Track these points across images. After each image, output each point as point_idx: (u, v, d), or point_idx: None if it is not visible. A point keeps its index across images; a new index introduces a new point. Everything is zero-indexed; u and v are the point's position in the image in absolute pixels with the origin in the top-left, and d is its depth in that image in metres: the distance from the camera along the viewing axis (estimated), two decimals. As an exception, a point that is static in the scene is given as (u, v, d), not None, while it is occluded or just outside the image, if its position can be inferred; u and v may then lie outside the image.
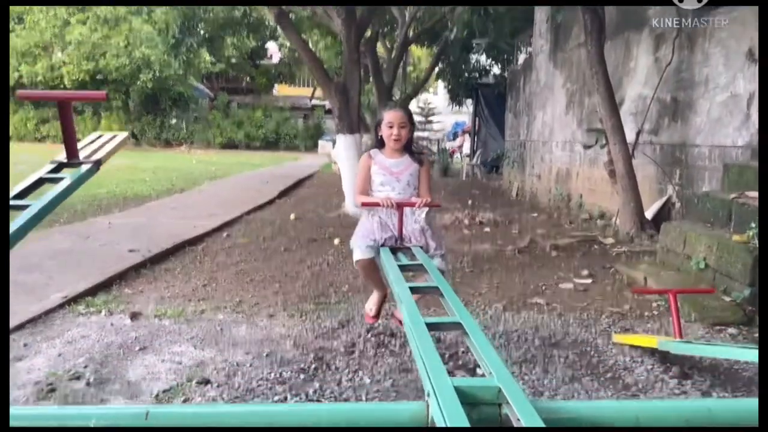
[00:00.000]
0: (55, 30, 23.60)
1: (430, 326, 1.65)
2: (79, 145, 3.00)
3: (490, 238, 6.71)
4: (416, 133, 14.90)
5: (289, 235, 6.78)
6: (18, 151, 22.51)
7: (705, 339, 3.57)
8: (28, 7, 24.33)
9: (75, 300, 3.93)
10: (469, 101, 17.68)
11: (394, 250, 2.72)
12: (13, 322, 3.43)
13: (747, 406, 1.41)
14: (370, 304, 3.01)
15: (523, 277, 5.01)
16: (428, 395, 1.35)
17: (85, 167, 2.65)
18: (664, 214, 6.78)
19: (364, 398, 2.61)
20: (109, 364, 2.91)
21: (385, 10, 12.36)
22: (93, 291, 4.17)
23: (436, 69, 14.77)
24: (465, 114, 22.85)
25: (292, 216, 8.09)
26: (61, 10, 23.74)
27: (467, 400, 1.34)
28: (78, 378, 2.72)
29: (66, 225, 6.91)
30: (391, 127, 2.87)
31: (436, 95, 20.61)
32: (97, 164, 2.72)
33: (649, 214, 6.76)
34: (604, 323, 3.82)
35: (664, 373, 2.97)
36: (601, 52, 6.53)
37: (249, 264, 5.28)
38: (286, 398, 2.60)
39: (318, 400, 2.58)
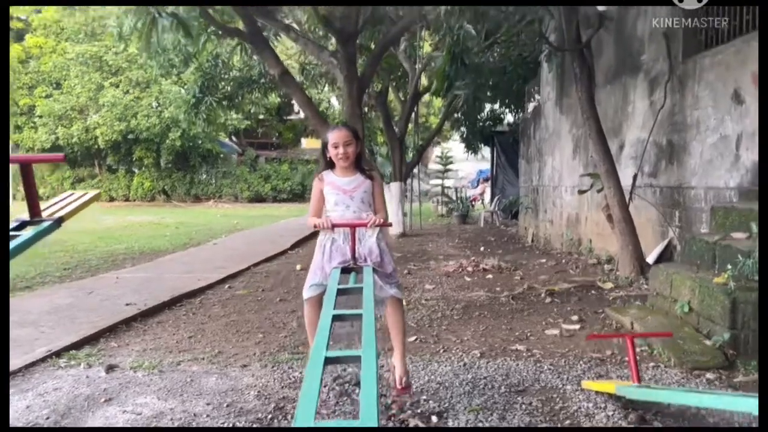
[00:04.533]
0: (90, 94, 24.73)
1: (331, 360, 1.67)
2: (50, 202, 3.18)
3: (489, 285, 6.68)
4: (436, 180, 14.98)
5: (290, 285, 6.86)
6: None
7: (680, 384, 3.49)
8: (65, 72, 25.64)
9: (59, 353, 4.04)
10: (487, 149, 17.82)
11: (347, 271, 2.73)
12: (-7, 375, 3.56)
13: None
14: None
15: (511, 323, 4.97)
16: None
17: (46, 224, 2.80)
18: (666, 257, 6.68)
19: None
20: (71, 416, 2.98)
21: (394, 65, 12.69)
22: (79, 345, 4.29)
23: (450, 119, 14.97)
24: (488, 162, 22.95)
25: (298, 266, 8.20)
26: (96, 75, 24.92)
27: (325, 444, 1.38)
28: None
29: (75, 281, 7.12)
30: (336, 147, 2.92)
31: (452, 143, 20.79)
32: (59, 221, 2.87)
33: (651, 258, 6.66)
34: (579, 369, 3.76)
35: (624, 419, 2.91)
36: (591, 98, 6.60)
37: (241, 315, 5.36)
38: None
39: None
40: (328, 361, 1.65)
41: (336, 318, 1.94)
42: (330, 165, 3.03)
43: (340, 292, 2.26)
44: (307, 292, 2.83)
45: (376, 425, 1.40)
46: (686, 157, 6.30)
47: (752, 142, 5.18)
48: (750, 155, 5.21)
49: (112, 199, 28.11)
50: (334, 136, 2.96)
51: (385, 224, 2.88)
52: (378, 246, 2.87)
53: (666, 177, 6.74)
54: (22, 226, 2.81)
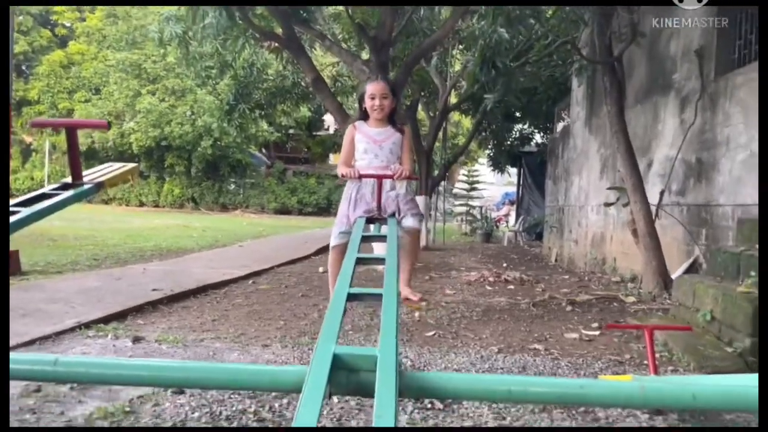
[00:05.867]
0: (127, 100, 25.38)
1: (353, 296, 1.75)
2: (91, 170, 3.32)
3: (510, 294, 6.69)
4: (460, 201, 14.99)
5: (312, 284, 6.95)
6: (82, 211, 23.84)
7: (698, 386, 3.47)
8: (105, 79, 26.37)
9: (87, 325, 4.17)
10: (513, 171, 17.84)
11: (372, 221, 2.80)
12: (25, 339, 3.70)
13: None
14: None
15: (531, 326, 4.98)
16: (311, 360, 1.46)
17: (86, 187, 2.93)
18: (692, 275, 6.62)
19: None
20: (98, 375, 3.08)
21: (426, 80, 12.84)
22: (107, 319, 4.42)
23: (478, 137, 15.05)
24: (513, 186, 22.93)
25: (321, 269, 8.28)
26: (134, 82, 25.57)
27: (345, 366, 1.45)
28: (64, 383, 2.90)
29: (104, 269, 7.30)
30: (373, 98, 3.00)
31: (479, 166, 20.87)
32: (99, 186, 3.00)
33: (676, 275, 6.61)
34: (597, 367, 3.77)
35: (638, 409, 2.92)
36: (620, 111, 6.62)
37: (263, 306, 5.46)
38: (255, 412, 2.70)
39: (280, 413, 2.67)
40: (351, 297, 1.72)
41: (359, 261, 2.02)
42: (365, 116, 3.11)
43: (364, 239, 2.33)
44: (334, 240, 2.94)
45: (394, 354, 1.46)
46: (715, 174, 6.27)
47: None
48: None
49: (141, 204, 28.65)
50: (372, 87, 3.05)
51: (411, 177, 2.96)
52: (398, 194, 2.93)
53: (693, 195, 6.71)
54: (64, 187, 2.94)
